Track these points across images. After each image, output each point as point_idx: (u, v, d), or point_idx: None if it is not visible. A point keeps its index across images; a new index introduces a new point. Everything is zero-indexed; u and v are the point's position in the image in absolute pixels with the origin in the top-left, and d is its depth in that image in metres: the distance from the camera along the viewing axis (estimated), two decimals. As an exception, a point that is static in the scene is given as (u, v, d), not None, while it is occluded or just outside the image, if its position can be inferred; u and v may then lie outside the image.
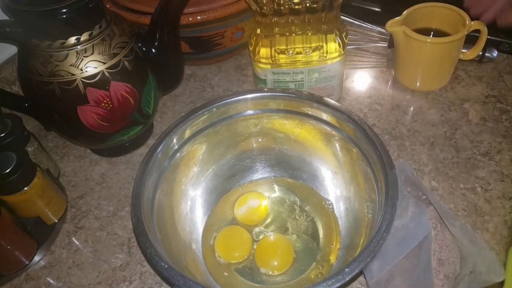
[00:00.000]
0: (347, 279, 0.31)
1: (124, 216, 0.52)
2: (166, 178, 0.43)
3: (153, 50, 0.52)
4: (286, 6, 0.50)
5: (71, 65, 0.46)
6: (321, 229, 0.47)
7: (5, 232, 0.45)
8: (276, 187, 0.51)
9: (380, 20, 0.70)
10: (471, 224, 0.47)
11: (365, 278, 0.43)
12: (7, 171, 0.44)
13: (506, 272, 0.42)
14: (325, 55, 0.53)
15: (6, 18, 0.47)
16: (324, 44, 0.53)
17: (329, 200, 0.48)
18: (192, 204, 0.48)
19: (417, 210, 0.46)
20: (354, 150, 0.43)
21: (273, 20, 0.51)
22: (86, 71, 0.46)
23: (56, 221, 0.51)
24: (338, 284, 0.31)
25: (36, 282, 0.47)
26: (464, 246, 0.43)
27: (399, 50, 0.61)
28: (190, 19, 0.58)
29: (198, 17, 0.58)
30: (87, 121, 0.49)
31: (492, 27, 0.60)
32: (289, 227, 0.47)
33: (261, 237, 0.47)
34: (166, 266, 0.33)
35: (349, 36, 0.55)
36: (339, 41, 0.52)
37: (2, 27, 0.46)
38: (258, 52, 0.54)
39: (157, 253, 0.34)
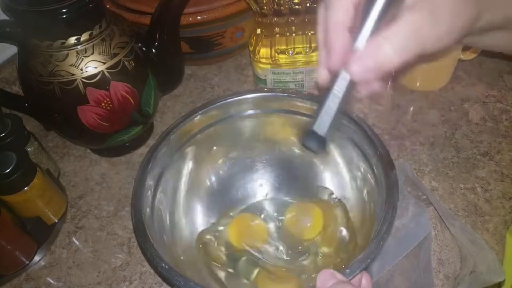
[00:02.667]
0: (348, 280, 0.31)
1: (124, 216, 0.52)
2: (166, 178, 0.43)
3: (153, 50, 0.52)
4: (286, 6, 0.50)
5: (71, 65, 0.46)
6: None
7: (5, 232, 0.45)
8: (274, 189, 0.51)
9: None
10: (471, 224, 0.47)
11: (365, 278, 0.43)
12: (7, 171, 0.44)
13: (505, 255, 0.42)
14: (325, 55, 0.53)
15: (6, 18, 0.47)
16: (324, 44, 0.53)
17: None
18: (192, 204, 0.48)
19: (417, 210, 0.46)
20: (354, 150, 0.43)
21: (273, 20, 0.52)
22: (86, 71, 0.46)
23: (56, 221, 0.51)
24: (339, 285, 0.31)
25: (36, 282, 0.47)
26: (464, 246, 0.43)
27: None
28: (190, 19, 0.58)
29: (198, 17, 0.58)
30: (87, 121, 0.49)
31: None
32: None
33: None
34: (167, 267, 0.33)
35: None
36: (339, 41, 0.52)
37: (2, 27, 0.46)
38: (258, 52, 0.54)
39: (157, 254, 0.34)
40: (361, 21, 0.26)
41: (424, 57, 0.27)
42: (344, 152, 0.46)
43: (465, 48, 0.62)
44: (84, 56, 0.46)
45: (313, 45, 0.53)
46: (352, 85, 0.28)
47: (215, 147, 0.48)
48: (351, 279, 0.31)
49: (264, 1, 0.49)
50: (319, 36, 0.31)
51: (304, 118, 0.46)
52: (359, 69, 0.26)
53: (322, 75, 0.31)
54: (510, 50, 0.37)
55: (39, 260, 0.49)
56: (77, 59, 0.46)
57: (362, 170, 0.43)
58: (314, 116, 0.29)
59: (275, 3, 0.49)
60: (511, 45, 0.36)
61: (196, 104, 0.65)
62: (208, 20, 0.59)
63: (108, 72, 0.47)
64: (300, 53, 0.53)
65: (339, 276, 0.30)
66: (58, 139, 0.63)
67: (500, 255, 0.44)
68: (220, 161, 0.50)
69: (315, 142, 0.30)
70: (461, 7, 0.27)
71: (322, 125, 0.29)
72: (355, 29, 0.27)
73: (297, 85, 0.56)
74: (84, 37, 0.46)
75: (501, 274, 0.39)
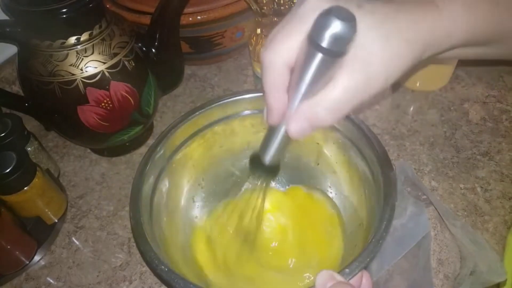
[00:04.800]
0: (347, 280, 0.31)
1: (124, 215, 0.52)
2: (165, 178, 0.43)
3: (153, 50, 0.52)
4: (286, 6, 0.50)
5: (71, 65, 0.46)
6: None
7: (5, 232, 0.45)
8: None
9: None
10: (471, 224, 0.47)
11: (364, 278, 0.42)
12: (7, 171, 0.44)
13: (505, 255, 0.42)
14: (325, 55, 0.53)
15: (6, 18, 0.47)
16: (324, 44, 0.53)
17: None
18: (191, 204, 0.48)
19: (416, 210, 0.46)
20: (352, 150, 0.43)
21: (273, 20, 0.52)
22: (86, 71, 0.46)
23: (56, 221, 0.51)
24: (338, 285, 0.31)
25: (36, 281, 0.47)
26: (465, 246, 0.43)
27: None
28: (190, 19, 0.58)
29: (198, 17, 0.58)
30: (87, 121, 0.49)
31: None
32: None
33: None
34: (166, 269, 0.33)
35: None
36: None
37: (2, 27, 0.46)
38: (258, 52, 0.54)
39: (156, 256, 0.34)
40: (297, 80, 0.26)
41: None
42: (342, 151, 0.46)
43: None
44: (84, 56, 0.46)
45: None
46: None
47: (214, 147, 0.48)
48: (351, 279, 0.31)
49: (264, 1, 0.49)
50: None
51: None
52: (294, 129, 0.28)
53: (266, 122, 0.32)
54: (467, 58, 0.37)
55: (39, 260, 0.49)
56: (77, 59, 0.46)
57: (360, 169, 0.43)
58: (261, 145, 0.32)
59: (275, 3, 0.49)
60: (465, 56, 0.36)
61: (196, 104, 0.65)
62: (208, 20, 0.59)
63: (108, 72, 0.47)
64: (300, 53, 0.53)
65: (338, 277, 0.30)
66: (58, 139, 0.63)
67: (500, 255, 0.44)
68: (219, 161, 0.50)
69: (262, 169, 0.33)
70: (397, 60, 0.27)
71: (267, 155, 0.32)
72: (291, 87, 0.27)
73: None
74: (84, 37, 0.46)
75: (502, 274, 0.39)
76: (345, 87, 0.26)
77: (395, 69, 0.28)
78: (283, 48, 0.27)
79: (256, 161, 0.33)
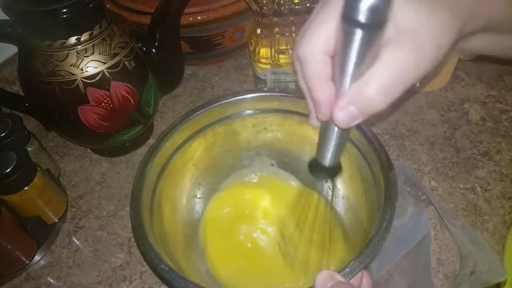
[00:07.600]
0: (348, 280, 0.31)
1: (124, 215, 0.52)
2: (166, 178, 0.43)
3: (153, 50, 0.52)
4: (286, 6, 0.50)
5: (71, 65, 0.46)
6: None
7: (5, 232, 0.45)
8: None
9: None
10: (470, 224, 0.47)
11: (364, 278, 0.43)
12: (7, 171, 0.44)
13: (505, 255, 0.42)
14: (325, 55, 0.53)
15: (6, 18, 0.47)
16: (324, 44, 0.53)
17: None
18: (192, 204, 0.48)
19: (416, 210, 0.46)
20: (352, 150, 0.43)
21: (273, 20, 0.52)
22: (86, 71, 0.46)
23: (56, 220, 0.51)
24: (338, 284, 0.31)
25: (37, 281, 0.47)
26: (465, 246, 0.43)
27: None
28: (190, 19, 0.58)
29: (198, 17, 0.58)
30: (87, 121, 0.49)
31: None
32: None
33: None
34: (167, 268, 0.33)
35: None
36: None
37: (2, 27, 0.46)
38: (258, 52, 0.54)
39: (157, 255, 0.34)
40: (340, 65, 0.24)
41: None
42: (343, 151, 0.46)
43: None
44: (85, 56, 0.46)
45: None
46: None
47: (214, 147, 0.48)
48: (351, 279, 0.31)
49: (264, 1, 0.50)
50: (302, 84, 0.29)
51: (303, 118, 0.46)
52: (343, 118, 0.25)
53: (315, 123, 0.30)
54: (489, 51, 0.36)
55: (39, 259, 0.49)
56: (77, 59, 0.46)
57: (361, 169, 0.43)
58: (317, 148, 0.30)
59: (275, 3, 0.50)
60: (490, 47, 0.35)
61: (196, 104, 0.66)
62: (208, 20, 0.59)
63: (108, 72, 0.47)
64: (300, 53, 0.53)
65: (338, 277, 0.30)
66: (58, 139, 0.63)
67: (500, 255, 0.44)
68: (219, 161, 0.50)
69: (322, 171, 0.32)
70: (445, 27, 0.25)
71: (325, 157, 0.30)
72: (335, 75, 0.25)
73: (297, 85, 0.56)
74: (84, 37, 0.46)
75: (502, 274, 0.39)
76: (396, 62, 0.24)
77: (444, 38, 0.25)
78: (319, 36, 0.25)
79: (316, 166, 0.31)
